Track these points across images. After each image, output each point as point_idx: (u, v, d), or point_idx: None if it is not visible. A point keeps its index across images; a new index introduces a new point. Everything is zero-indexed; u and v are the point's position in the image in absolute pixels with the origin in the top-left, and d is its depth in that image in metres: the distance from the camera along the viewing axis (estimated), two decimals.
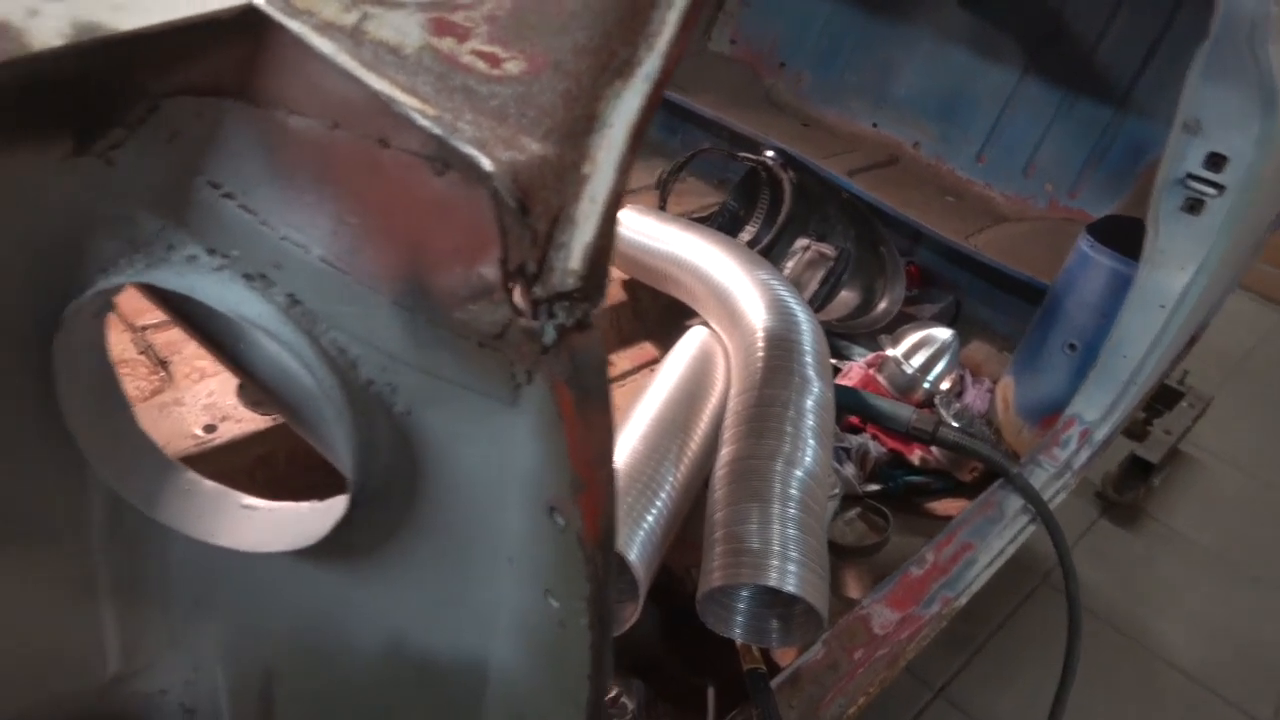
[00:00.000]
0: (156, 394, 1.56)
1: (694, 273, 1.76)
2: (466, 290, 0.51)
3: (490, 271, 0.50)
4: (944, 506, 1.76)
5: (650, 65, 0.49)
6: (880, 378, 1.88)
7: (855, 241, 2.11)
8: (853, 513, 1.74)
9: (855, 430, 1.81)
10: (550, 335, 0.51)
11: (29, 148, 0.50)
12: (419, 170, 0.51)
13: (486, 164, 0.48)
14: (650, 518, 1.24)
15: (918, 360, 1.84)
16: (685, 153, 2.21)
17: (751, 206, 2.22)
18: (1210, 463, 3.03)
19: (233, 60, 0.52)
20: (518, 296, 0.51)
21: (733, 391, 1.48)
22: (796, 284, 2.00)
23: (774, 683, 1.24)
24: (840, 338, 2.02)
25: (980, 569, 1.48)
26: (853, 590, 1.60)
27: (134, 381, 1.57)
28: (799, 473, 1.28)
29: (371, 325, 0.54)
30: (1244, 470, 3.03)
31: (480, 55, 0.50)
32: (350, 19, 0.51)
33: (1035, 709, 2.05)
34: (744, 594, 1.26)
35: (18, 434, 0.61)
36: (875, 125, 2.55)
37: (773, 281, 1.64)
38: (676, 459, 1.36)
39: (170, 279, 0.55)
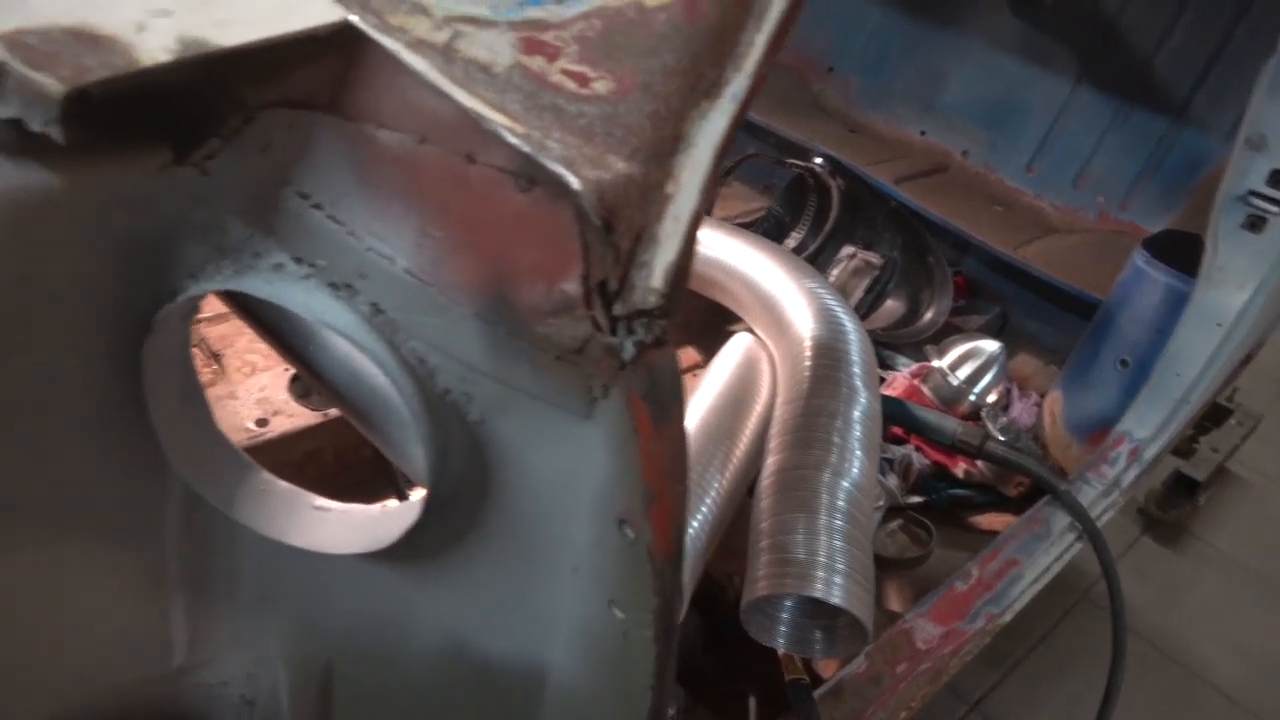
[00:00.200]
0: (210, 387, 1.59)
1: (740, 279, 1.76)
2: (548, 305, 0.52)
3: (573, 287, 0.51)
4: (988, 521, 1.75)
5: (737, 86, 0.49)
6: (925, 388, 1.86)
7: (902, 250, 2.10)
8: (895, 524, 1.73)
9: (899, 441, 1.80)
10: (629, 351, 0.51)
11: (130, 157, 0.52)
12: (504, 186, 0.52)
13: (573, 182, 0.48)
14: (694, 524, 1.24)
15: (964, 372, 1.83)
16: (731, 158, 2.21)
17: (797, 213, 2.21)
18: (1258, 482, 2.97)
19: (326, 74, 0.53)
20: (599, 312, 0.51)
21: (779, 400, 1.48)
22: (840, 292, 1.99)
23: (816, 694, 1.24)
24: (884, 347, 2.01)
25: (1025, 586, 1.47)
26: (893, 603, 1.60)
27: None
28: (846, 484, 1.28)
29: (452, 336, 0.55)
30: None
31: (569, 75, 0.51)
32: (442, 37, 0.52)
33: None
34: (788, 604, 1.26)
35: (104, 434, 0.63)
36: (923, 133, 2.53)
37: (820, 290, 1.63)
38: (722, 465, 1.36)
39: (258, 286, 0.56)
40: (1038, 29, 2.32)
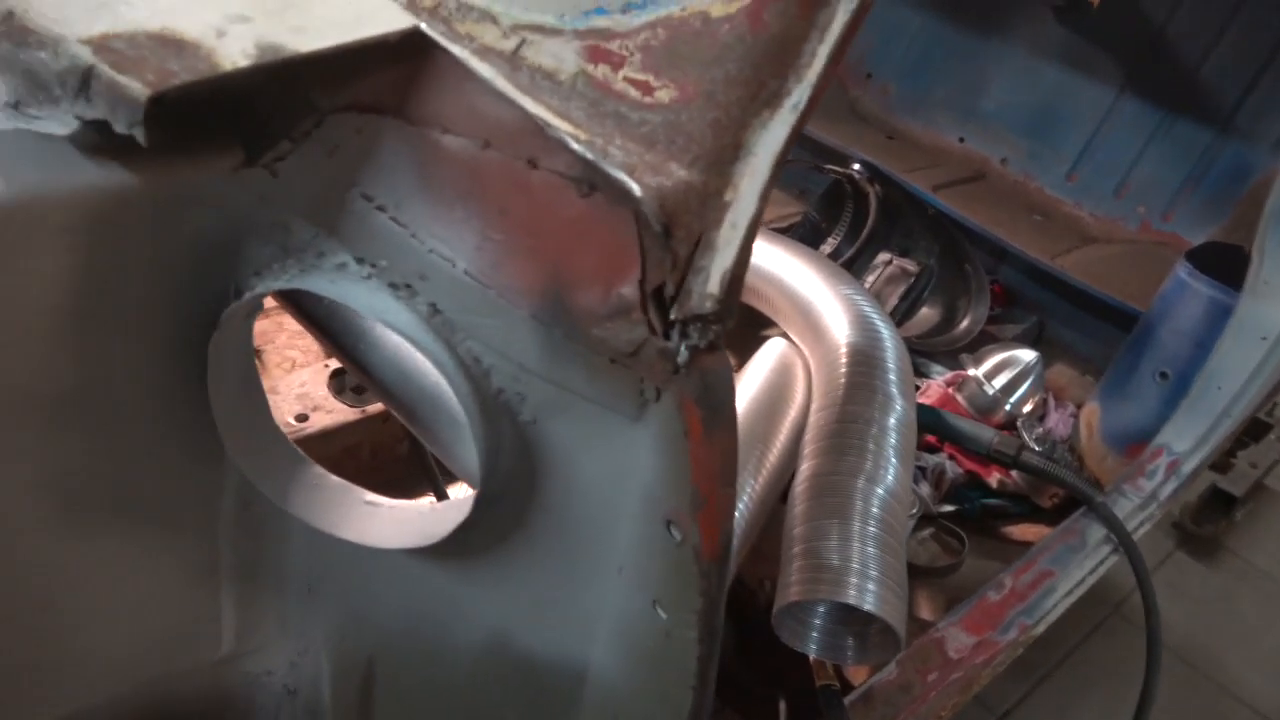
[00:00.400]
0: None
1: (776, 284, 1.76)
2: (605, 309, 0.53)
3: (630, 291, 0.52)
4: (1021, 531, 1.74)
5: (798, 96, 0.50)
6: (960, 397, 1.85)
7: (939, 258, 2.09)
8: (927, 533, 1.73)
9: (932, 450, 1.79)
10: (684, 355, 0.52)
11: (205, 158, 0.53)
12: (565, 191, 0.53)
13: (635, 188, 0.49)
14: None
15: (1000, 381, 1.82)
16: None
17: (833, 219, 2.21)
18: None
19: (394, 80, 0.55)
20: (654, 316, 0.52)
21: (814, 406, 1.48)
22: (876, 299, 1.98)
23: (847, 700, 1.24)
24: (919, 355, 2.00)
25: (1059, 597, 1.46)
26: (924, 611, 1.59)
27: None
28: (880, 491, 1.28)
29: (508, 337, 0.56)
30: None
31: (633, 83, 0.52)
32: (509, 45, 0.53)
33: None
34: (821, 610, 1.26)
35: (167, 426, 0.65)
36: (962, 140, 2.51)
37: (857, 296, 1.63)
38: (755, 469, 1.36)
39: (322, 285, 0.58)
40: (1082, 36, 2.30)
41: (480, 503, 0.62)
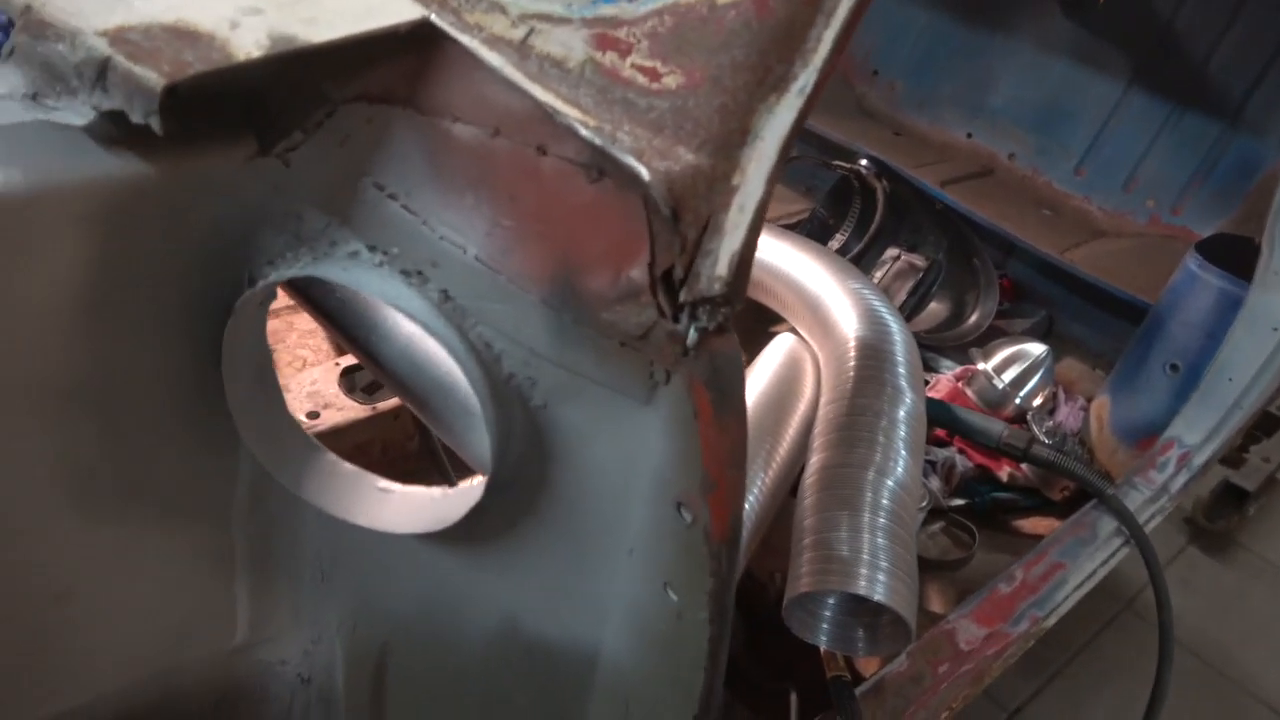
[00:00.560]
0: None
1: (784, 280, 1.76)
2: (614, 292, 0.54)
3: (639, 275, 0.53)
4: (1031, 525, 1.74)
5: (804, 80, 0.51)
6: (969, 391, 1.86)
7: (947, 253, 2.09)
8: (937, 527, 1.73)
9: (942, 444, 1.80)
10: (693, 337, 0.53)
11: (219, 148, 0.54)
12: (574, 177, 0.53)
13: (643, 173, 0.50)
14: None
15: (1010, 375, 1.82)
16: None
17: (841, 215, 2.21)
18: None
19: (405, 70, 0.56)
20: (664, 299, 0.53)
21: (823, 400, 1.49)
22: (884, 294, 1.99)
23: (858, 691, 1.24)
24: (928, 350, 2.00)
25: (1070, 590, 1.46)
26: (935, 605, 1.59)
27: None
28: (890, 483, 1.28)
29: (518, 322, 0.57)
30: None
31: (641, 69, 0.52)
32: (518, 34, 0.54)
33: None
34: (831, 601, 1.26)
35: (182, 414, 0.66)
36: (969, 135, 2.51)
37: (865, 290, 1.63)
38: (765, 463, 1.37)
39: (335, 273, 0.59)
40: (1089, 31, 2.30)
41: (492, 487, 0.62)
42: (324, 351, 1.81)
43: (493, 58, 0.53)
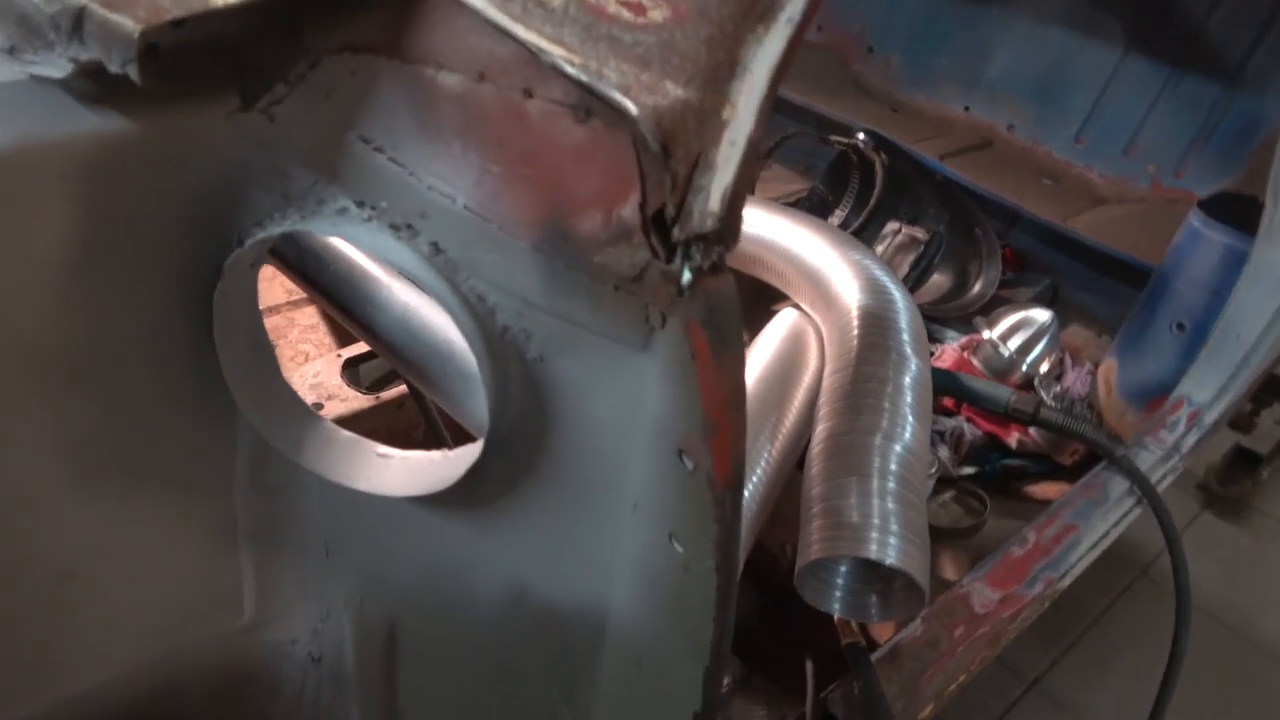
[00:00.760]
0: None
1: (784, 255, 1.75)
2: (605, 234, 0.53)
3: (630, 214, 0.52)
4: (1042, 490, 1.73)
5: (792, 9, 0.50)
6: (975, 360, 1.84)
7: (948, 225, 2.08)
8: (948, 495, 1.72)
9: (949, 413, 1.78)
10: (687, 277, 0.52)
11: (201, 104, 0.54)
12: (562, 118, 0.53)
13: (631, 108, 0.49)
14: (745, 494, 1.24)
15: (1015, 342, 1.80)
16: (772, 138, 2.21)
17: (840, 191, 2.20)
18: None
19: (386, 19, 0.55)
20: (656, 239, 0.52)
21: (827, 370, 1.48)
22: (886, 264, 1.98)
23: (873, 657, 1.23)
24: (933, 321, 1.99)
25: (1083, 551, 1.45)
26: (949, 572, 1.58)
27: None
28: (898, 448, 1.27)
29: (511, 271, 0.56)
30: None
31: (625, 4, 0.52)
32: None
33: (1132, 703, 1.99)
34: (843, 568, 1.26)
35: (176, 383, 0.65)
36: (967, 108, 2.50)
37: (866, 261, 1.62)
38: (771, 435, 1.36)
39: (324, 228, 0.58)
40: None
41: (490, 444, 0.62)
42: (326, 345, 1.80)
43: (475, 0, 0.52)
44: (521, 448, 0.64)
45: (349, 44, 0.55)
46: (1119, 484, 1.51)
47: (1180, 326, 1.62)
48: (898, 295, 1.53)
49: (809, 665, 1.25)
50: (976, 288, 2.04)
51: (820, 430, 1.34)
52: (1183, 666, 1.50)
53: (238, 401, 0.66)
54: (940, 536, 1.57)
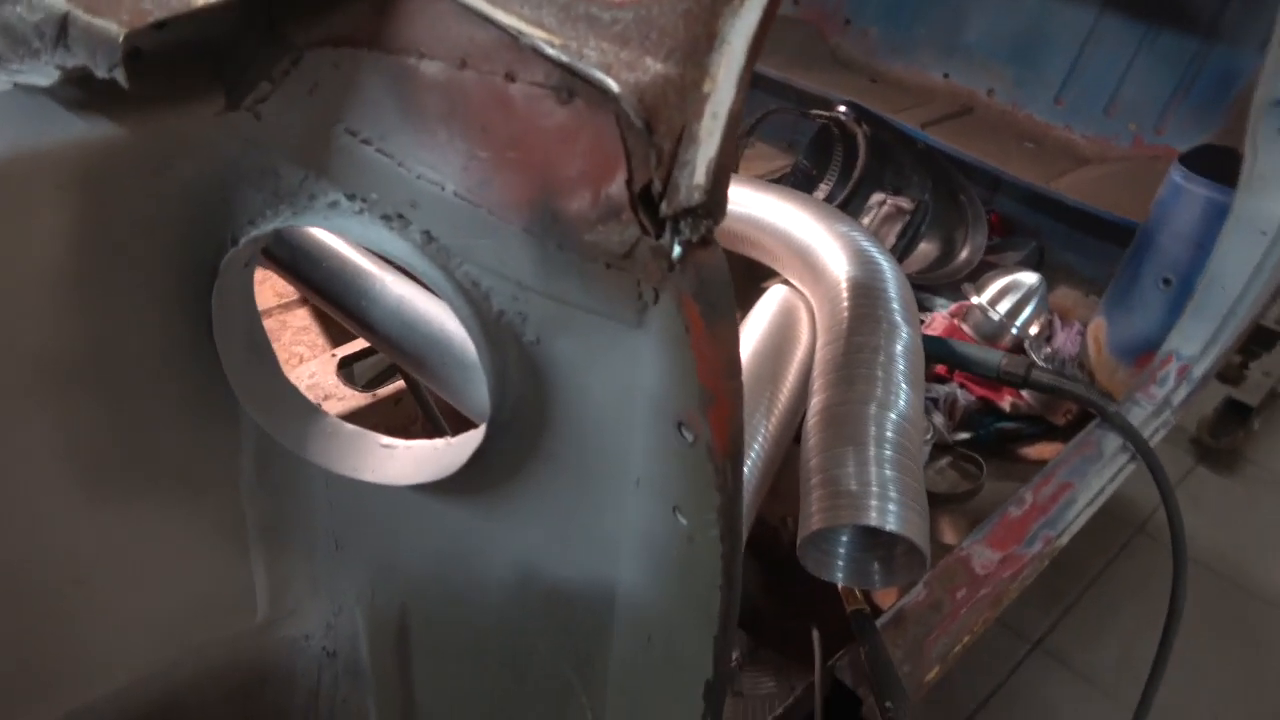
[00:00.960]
0: None
1: (771, 231, 1.76)
2: (595, 213, 0.54)
3: (617, 192, 0.53)
4: (1037, 451, 1.74)
5: None
6: (965, 326, 1.86)
7: (933, 193, 2.08)
8: (944, 461, 1.73)
9: (942, 380, 1.80)
10: (677, 251, 0.53)
11: (188, 105, 0.54)
12: (545, 100, 0.53)
13: (613, 86, 0.50)
14: (745, 467, 1.25)
15: (1004, 306, 1.82)
16: (753, 115, 2.21)
17: (824, 165, 2.20)
18: None
19: (366, 10, 0.55)
20: (644, 215, 0.53)
21: (819, 342, 1.49)
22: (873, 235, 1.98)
23: (878, 623, 1.25)
24: (922, 289, 2.00)
25: (1080, 508, 1.47)
26: (948, 537, 1.60)
27: None
28: (893, 415, 1.28)
29: (503, 255, 0.57)
30: None
31: None
32: None
33: (1134, 658, 2.03)
34: (844, 537, 1.27)
35: (178, 385, 0.66)
36: (946, 76, 2.50)
37: (853, 233, 1.63)
38: (767, 411, 1.37)
39: (317, 223, 0.59)
40: None
41: (493, 428, 0.62)
42: (320, 346, 1.81)
43: None
44: (523, 430, 0.65)
45: (329, 38, 0.56)
46: (1112, 441, 1.53)
47: (1166, 281, 1.63)
48: (886, 265, 1.54)
49: (815, 635, 1.27)
50: (964, 254, 2.05)
51: (815, 402, 1.35)
52: (1182, 619, 1.52)
53: (241, 400, 0.67)
54: (938, 502, 1.58)
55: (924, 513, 1.19)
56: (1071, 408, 1.71)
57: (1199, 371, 1.65)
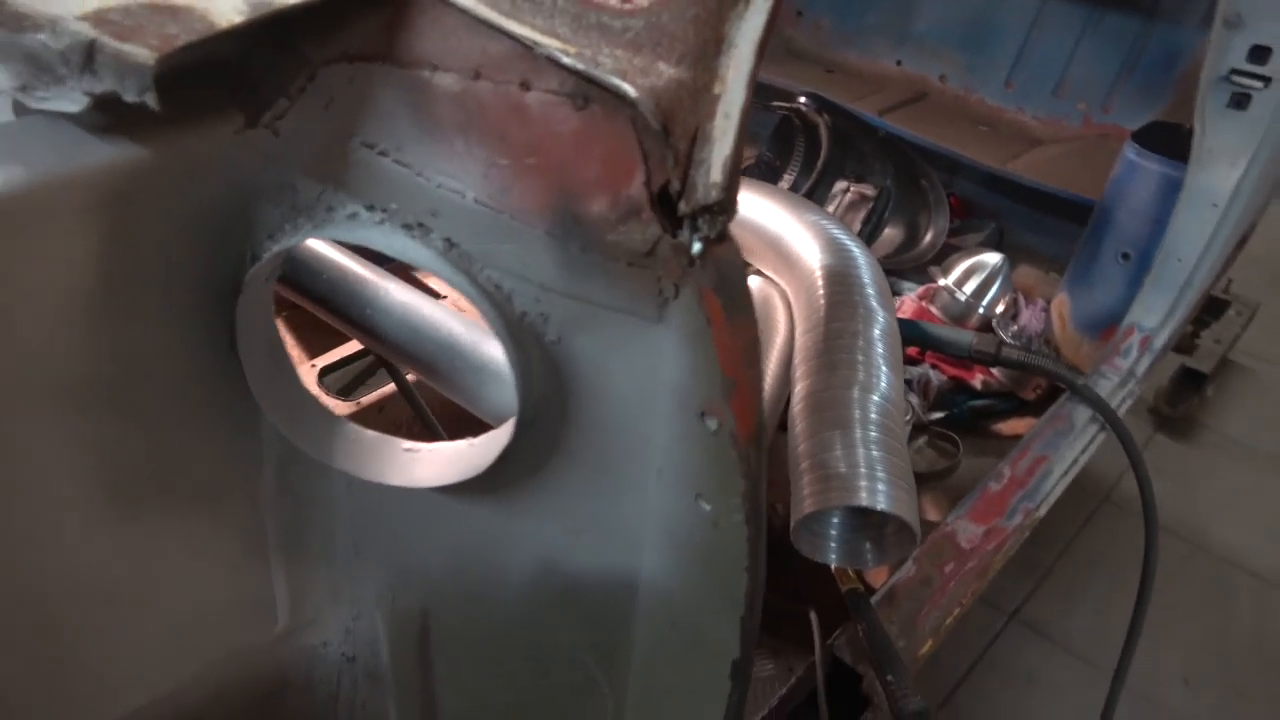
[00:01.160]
0: None
1: (742, 223, 1.78)
2: (615, 214, 0.55)
3: (637, 193, 0.55)
4: (1010, 427, 1.80)
5: None
6: (933, 308, 1.90)
7: (894, 178, 2.13)
8: (921, 441, 1.78)
9: (914, 361, 1.84)
10: (697, 247, 0.55)
11: (208, 125, 0.55)
12: (560, 107, 0.55)
13: (631, 91, 0.52)
14: None
15: (970, 287, 1.87)
16: None
17: (787, 155, 2.24)
18: (1261, 369, 3.03)
19: (379, 24, 0.56)
20: (664, 214, 0.55)
21: (799, 331, 1.52)
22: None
23: (872, 600, 1.28)
24: (889, 274, 2.04)
25: (1056, 479, 1.52)
26: (930, 514, 1.64)
27: None
28: (876, 398, 1.32)
29: (526, 258, 0.58)
30: None
31: None
32: None
33: (1107, 624, 2.09)
34: (835, 519, 1.30)
35: (200, 399, 0.67)
36: (899, 63, 2.56)
37: (823, 222, 1.66)
38: None
39: (338, 234, 0.60)
40: None
41: (521, 426, 0.64)
42: (298, 358, 1.79)
43: (464, 0, 0.54)
44: (546, 428, 0.66)
45: (343, 53, 0.57)
46: (1082, 413, 1.58)
47: (1125, 256, 1.69)
48: (858, 252, 1.57)
49: (813, 616, 1.30)
50: (928, 238, 2.10)
51: (799, 389, 1.38)
52: (1155, 576, 1.58)
53: (265, 411, 0.68)
54: (918, 480, 1.62)
55: (912, 490, 1.23)
56: (1041, 383, 1.76)
57: (1160, 342, 1.71)
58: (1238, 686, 2.04)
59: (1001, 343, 1.65)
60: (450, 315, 0.81)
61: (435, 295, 1.48)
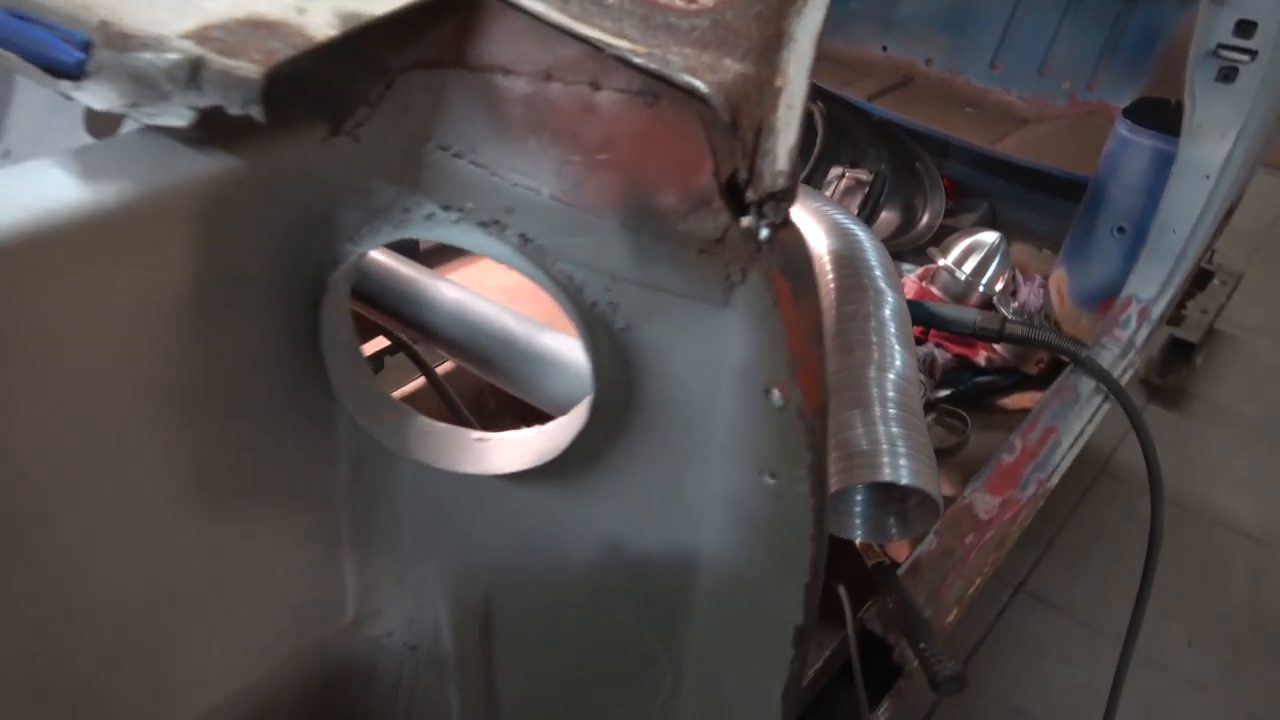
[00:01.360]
0: None
1: None
2: (686, 204, 0.59)
3: (706, 183, 0.58)
4: (1015, 401, 1.84)
5: None
6: (934, 288, 1.95)
7: (889, 163, 2.17)
8: (930, 418, 1.82)
9: (919, 341, 1.88)
10: (765, 233, 0.58)
11: (296, 134, 0.58)
12: (631, 104, 0.58)
13: (702, 88, 0.55)
14: None
15: (969, 266, 1.91)
16: None
17: None
18: (1246, 337, 3.10)
19: (451, 32, 0.59)
20: (733, 202, 0.58)
21: None
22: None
23: (897, 573, 1.32)
24: None
25: (1065, 450, 1.56)
26: (945, 489, 1.68)
27: None
28: (892, 376, 1.36)
29: (599, 250, 0.61)
30: None
31: None
32: None
33: (1110, 590, 2.14)
34: (859, 496, 1.34)
35: (284, 400, 0.69)
36: (885, 49, 2.60)
37: (826, 207, 1.70)
38: None
39: (417, 234, 0.63)
40: None
41: (596, 408, 0.67)
42: None
43: (535, 6, 0.57)
44: (612, 411, 0.69)
45: (419, 60, 0.60)
46: (1087, 384, 1.63)
47: (1120, 230, 1.74)
48: (863, 235, 1.61)
49: (842, 591, 1.34)
50: (924, 219, 2.14)
51: None
52: (1162, 539, 1.62)
53: (348, 407, 0.70)
54: None
55: (932, 464, 1.27)
56: (1043, 357, 1.81)
57: (1157, 311, 1.76)
58: (1238, 645, 2.10)
59: (1005, 319, 1.69)
60: (502, 310, 0.84)
61: None
